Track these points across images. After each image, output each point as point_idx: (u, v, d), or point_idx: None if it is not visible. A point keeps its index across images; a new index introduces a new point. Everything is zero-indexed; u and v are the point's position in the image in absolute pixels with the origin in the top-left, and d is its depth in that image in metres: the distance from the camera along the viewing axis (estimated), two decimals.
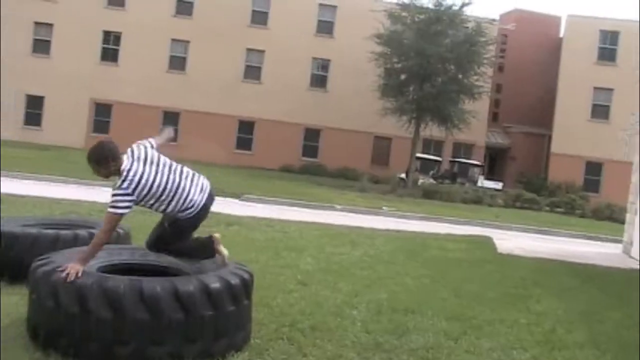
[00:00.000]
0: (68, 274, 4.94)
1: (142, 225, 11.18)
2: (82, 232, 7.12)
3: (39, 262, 5.32)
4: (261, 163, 43.13)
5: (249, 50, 45.37)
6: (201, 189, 5.65)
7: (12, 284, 6.82)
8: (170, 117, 43.90)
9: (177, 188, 5.45)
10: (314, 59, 46.02)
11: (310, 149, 45.77)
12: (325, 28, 46.10)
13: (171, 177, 5.45)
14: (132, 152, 5.49)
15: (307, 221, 16.16)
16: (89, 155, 5.32)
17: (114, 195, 5.25)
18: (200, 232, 6.05)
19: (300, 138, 45.78)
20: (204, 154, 40.60)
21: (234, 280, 5.20)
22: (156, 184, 5.32)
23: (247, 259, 7.81)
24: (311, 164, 44.29)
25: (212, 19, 44.19)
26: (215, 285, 5.02)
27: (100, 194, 17.43)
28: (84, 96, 43.22)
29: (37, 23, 43.89)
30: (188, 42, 44.70)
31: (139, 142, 5.70)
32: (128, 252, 6.04)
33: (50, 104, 43.33)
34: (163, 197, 5.38)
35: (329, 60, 45.97)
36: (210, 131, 43.31)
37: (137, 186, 5.24)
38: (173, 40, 44.65)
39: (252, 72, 45.60)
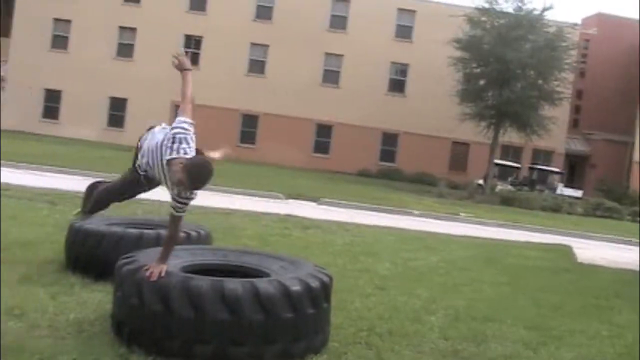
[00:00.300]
0: (152, 272, 5.06)
1: (222, 227, 11.38)
2: (165, 232, 7.24)
3: (124, 261, 5.45)
4: (338, 167, 43.25)
5: (328, 54, 45.60)
6: None
7: (97, 281, 7.01)
8: (249, 120, 44.45)
9: None
10: (393, 63, 45.99)
11: (387, 154, 45.73)
12: (404, 32, 46.03)
13: None
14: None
15: (383, 225, 16.14)
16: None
17: (180, 202, 5.42)
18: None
19: (378, 142, 45.77)
20: (281, 158, 41.05)
21: (314, 283, 5.22)
22: None
23: (324, 262, 7.84)
24: (388, 168, 44.25)
25: (291, 23, 44.54)
26: (296, 287, 5.05)
27: None
28: (166, 99, 44.04)
29: (121, 27, 44.94)
30: (267, 46, 45.16)
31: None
32: (210, 253, 6.14)
33: (132, 107, 44.30)
34: None
35: (407, 65, 45.86)
36: (288, 135, 43.66)
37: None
38: (252, 44, 45.18)
39: (331, 77, 45.82)
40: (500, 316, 7.51)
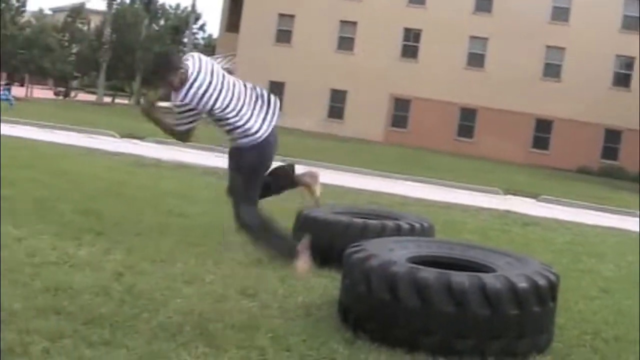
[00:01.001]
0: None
1: (442, 220, 11.41)
2: (389, 223, 7.38)
3: (353, 249, 5.62)
4: (557, 163, 41.92)
5: (549, 47, 44.30)
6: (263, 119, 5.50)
7: (322, 267, 7.27)
8: (467, 114, 44.10)
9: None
10: (617, 56, 43.90)
11: (610, 151, 43.76)
12: (630, 23, 43.72)
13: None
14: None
15: (606, 226, 15.51)
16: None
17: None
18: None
19: (600, 139, 43.91)
20: (499, 152, 40.41)
21: (541, 281, 5.15)
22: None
23: (546, 260, 7.66)
24: (610, 166, 42.32)
25: (511, 16, 43.64)
26: (523, 284, 5.01)
27: (400, 187, 17.98)
28: (384, 91, 44.57)
29: (342, 22, 45.94)
30: (487, 39, 44.51)
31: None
32: (435, 246, 6.21)
33: (352, 98, 45.20)
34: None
35: (633, 58, 43.60)
36: (506, 129, 42.88)
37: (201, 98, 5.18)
38: (472, 37, 44.69)
39: (552, 70, 44.50)
40: None
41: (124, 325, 4.99)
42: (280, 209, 11.09)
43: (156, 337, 4.86)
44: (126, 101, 63.62)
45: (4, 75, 56.17)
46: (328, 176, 18.20)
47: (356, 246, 5.71)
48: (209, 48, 68.07)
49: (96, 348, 4.54)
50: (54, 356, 4.34)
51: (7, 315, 4.97)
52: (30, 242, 7.16)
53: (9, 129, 21.62)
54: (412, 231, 7.27)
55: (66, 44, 60.78)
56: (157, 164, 16.06)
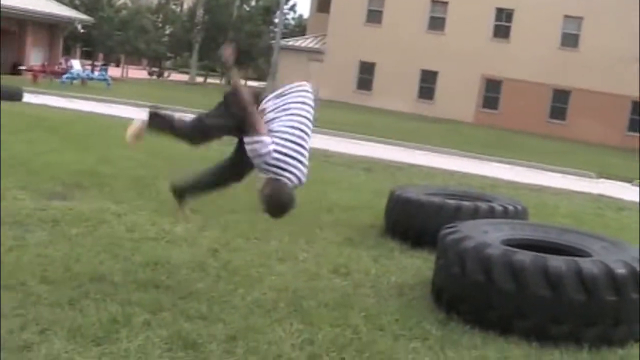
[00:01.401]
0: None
1: (534, 203, 11.25)
2: (483, 205, 7.32)
3: (448, 231, 5.62)
4: None
5: None
6: None
7: (415, 248, 7.29)
8: (560, 96, 43.12)
9: None
10: None
11: None
12: None
13: None
14: None
15: None
16: None
17: None
18: None
19: None
20: (592, 135, 39.51)
21: None
22: None
23: None
24: None
25: None
26: (621, 270, 4.91)
27: (491, 168, 17.77)
28: (475, 72, 43.96)
29: (434, 1, 45.46)
30: (581, 18, 43.34)
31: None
32: (529, 228, 6.14)
33: (443, 79, 44.76)
34: None
35: None
36: (600, 112, 41.77)
37: None
38: (566, 16, 43.55)
39: None
40: None
41: (220, 300, 5.12)
42: (373, 189, 11.20)
43: (252, 312, 4.98)
44: (218, 81, 64.44)
45: (100, 56, 57.68)
46: (418, 157, 18.22)
47: (451, 227, 5.70)
48: (299, 28, 68.41)
49: (194, 322, 4.67)
50: (155, 328, 4.49)
51: (110, 287, 5.16)
52: (129, 218, 7.39)
53: (106, 108, 22.24)
54: (505, 213, 7.20)
55: (160, 25, 61.83)
56: None
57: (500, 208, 7.30)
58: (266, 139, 4.74)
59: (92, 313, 4.60)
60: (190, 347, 4.29)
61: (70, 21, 43.87)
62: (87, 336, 4.27)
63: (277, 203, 4.85)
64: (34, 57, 40.89)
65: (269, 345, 4.43)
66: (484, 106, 43.81)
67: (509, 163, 20.17)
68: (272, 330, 4.68)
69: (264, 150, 4.73)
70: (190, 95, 34.61)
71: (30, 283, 5.06)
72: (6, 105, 18.41)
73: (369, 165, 14.93)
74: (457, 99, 43.79)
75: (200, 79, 60.41)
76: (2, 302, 4.66)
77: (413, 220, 7.41)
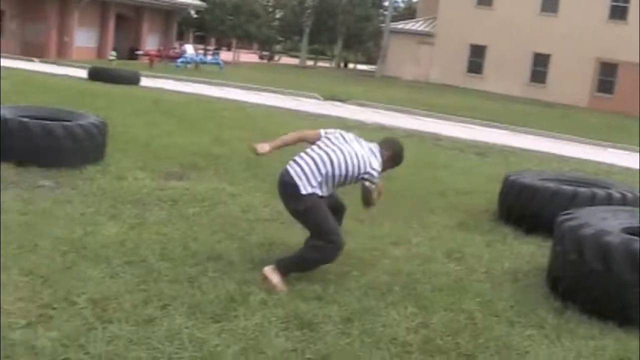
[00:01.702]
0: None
1: None
2: (600, 192, 7.13)
3: (565, 217, 5.50)
4: None
5: None
6: None
7: (529, 234, 7.17)
8: (608, 69, 41.93)
9: None
10: None
11: None
12: None
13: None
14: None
15: None
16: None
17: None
18: None
19: None
20: None
21: None
22: None
23: None
24: None
25: None
26: None
27: (606, 154, 17.27)
28: (589, 55, 42.67)
29: None
30: None
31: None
32: None
33: (555, 62, 43.65)
34: None
35: None
36: None
37: None
38: None
39: None
40: None
41: (335, 282, 5.18)
42: (486, 173, 11.08)
43: (366, 295, 5.01)
44: (328, 64, 64.68)
45: (212, 40, 58.76)
46: (531, 142, 17.84)
47: (568, 214, 5.58)
48: (409, 11, 67.81)
49: (309, 302, 4.74)
50: (271, 307, 4.58)
51: (227, 265, 5.29)
52: (244, 198, 7.54)
53: (219, 91, 22.67)
54: (623, 200, 7.00)
55: (271, 9, 62.56)
56: (361, 126, 16.29)
57: (618, 195, 7.10)
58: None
59: (211, 290, 4.74)
60: (307, 326, 4.36)
61: (184, 7, 44.88)
62: (206, 313, 4.40)
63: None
64: (150, 42, 42.08)
65: (384, 328, 4.46)
66: (599, 90, 42.49)
67: (624, 149, 19.51)
68: (386, 313, 4.71)
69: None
70: (301, 79, 34.87)
71: (151, 260, 5.25)
72: (125, 88, 19.06)
73: (481, 149, 14.74)
74: (571, 82, 42.57)
75: (310, 63, 60.73)
76: (126, 277, 4.85)
77: (528, 206, 7.30)
